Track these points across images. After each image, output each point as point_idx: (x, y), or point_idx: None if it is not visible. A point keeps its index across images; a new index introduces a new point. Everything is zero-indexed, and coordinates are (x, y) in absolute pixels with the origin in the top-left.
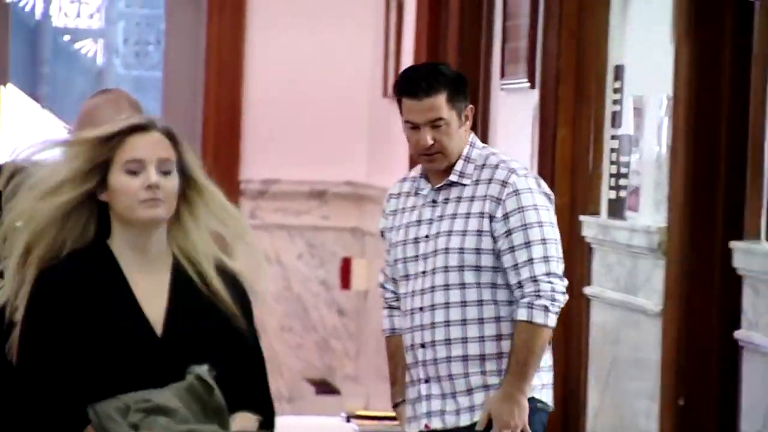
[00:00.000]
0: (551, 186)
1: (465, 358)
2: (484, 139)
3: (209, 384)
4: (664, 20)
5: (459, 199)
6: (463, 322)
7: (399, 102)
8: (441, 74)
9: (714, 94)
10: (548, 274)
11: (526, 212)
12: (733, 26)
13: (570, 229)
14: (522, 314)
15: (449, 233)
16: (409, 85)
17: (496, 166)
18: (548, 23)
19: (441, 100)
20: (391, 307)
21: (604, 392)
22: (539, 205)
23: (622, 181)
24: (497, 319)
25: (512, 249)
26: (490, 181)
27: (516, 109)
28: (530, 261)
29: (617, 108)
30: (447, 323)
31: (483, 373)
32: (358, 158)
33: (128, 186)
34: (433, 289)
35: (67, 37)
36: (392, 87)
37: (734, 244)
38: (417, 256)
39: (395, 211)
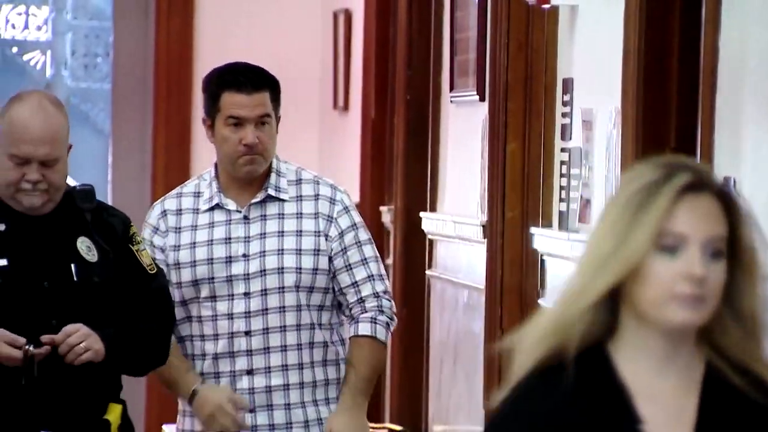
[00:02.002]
0: (502, 199)
1: (301, 386)
2: (435, 152)
3: None
4: (613, 33)
5: (281, 215)
6: (299, 346)
7: (216, 97)
8: (263, 72)
9: (662, 106)
10: (386, 292)
11: (358, 230)
12: (680, 39)
13: (521, 241)
14: (365, 329)
15: (280, 252)
16: (236, 79)
17: (317, 182)
18: (496, 36)
19: (267, 97)
20: None
21: None
22: (363, 222)
23: (572, 194)
24: (325, 345)
25: (350, 267)
26: (316, 197)
27: (466, 122)
28: (370, 278)
29: (566, 121)
30: (283, 348)
31: (315, 402)
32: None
33: (664, 271)
34: (266, 311)
35: (15, 49)
36: (205, 83)
37: None
38: (231, 276)
39: (178, 228)
